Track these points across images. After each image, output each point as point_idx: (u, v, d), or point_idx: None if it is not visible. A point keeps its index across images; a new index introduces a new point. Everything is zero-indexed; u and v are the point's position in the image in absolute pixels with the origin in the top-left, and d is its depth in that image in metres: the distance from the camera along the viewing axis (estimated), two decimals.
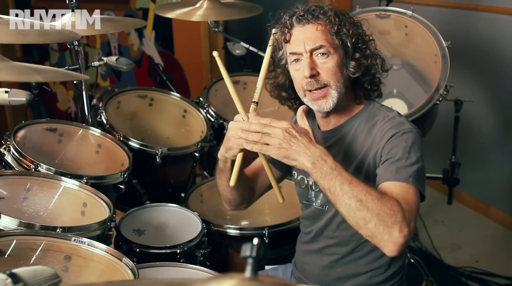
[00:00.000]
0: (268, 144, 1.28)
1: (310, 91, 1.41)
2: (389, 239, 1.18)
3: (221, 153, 1.45)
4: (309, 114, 1.50)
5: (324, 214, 1.50)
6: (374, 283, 1.49)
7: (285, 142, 1.26)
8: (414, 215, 1.24)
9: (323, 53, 1.38)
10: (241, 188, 1.56)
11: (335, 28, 1.38)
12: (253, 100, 1.42)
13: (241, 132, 1.32)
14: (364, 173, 1.40)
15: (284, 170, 1.65)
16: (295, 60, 1.42)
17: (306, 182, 1.55)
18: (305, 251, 1.61)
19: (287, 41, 1.42)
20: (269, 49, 1.45)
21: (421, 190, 1.31)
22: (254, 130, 1.30)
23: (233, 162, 1.43)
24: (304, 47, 1.39)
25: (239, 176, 1.42)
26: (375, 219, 1.19)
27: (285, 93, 1.54)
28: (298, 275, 1.64)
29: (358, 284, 1.50)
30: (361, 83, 1.46)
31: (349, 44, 1.40)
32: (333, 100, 1.40)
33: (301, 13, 1.40)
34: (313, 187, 1.52)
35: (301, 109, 1.35)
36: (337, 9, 1.44)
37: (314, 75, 1.39)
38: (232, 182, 1.42)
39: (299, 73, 1.42)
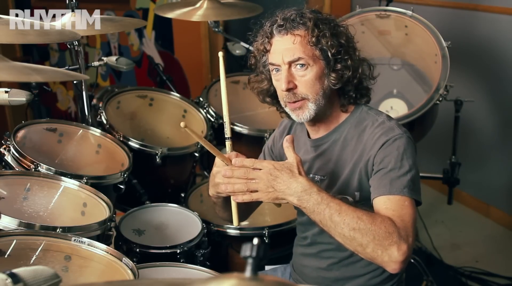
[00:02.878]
0: (256, 191, 1.29)
1: (289, 102, 1.41)
2: (389, 260, 1.19)
3: (211, 192, 1.46)
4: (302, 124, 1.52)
5: None
6: (373, 285, 1.49)
7: (270, 186, 1.27)
8: (411, 229, 1.25)
9: (301, 65, 1.36)
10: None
11: (314, 39, 1.35)
12: (226, 136, 1.42)
13: (226, 180, 1.33)
14: (357, 181, 1.39)
15: None
16: (275, 69, 1.41)
17: None
18: (302, 253, 1.60)
19: (267, 51, 1.42)
20: (223, 81, 1.44)
21: (417, 198, 1.32)
22: (238, 176, 1.31)
23: (225, 197, 1.45)
24: (282, 59, 1.37)
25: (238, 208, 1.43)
26: (371, 244, 1.19)
27: (269, 98, 1.54)
28: (295, 277, 1.63)
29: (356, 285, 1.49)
30: (346, 91, 1.45)
31: (329, 55, 1.37)
32: (310, 112, 1.40)
33: (280, 23, 1.38)
34: None
35: (285, 140, 1.30)
36: (320, 16, 1.40)
37: (291, 89, 1.38)
38: (235, 223, 1.43)
39: (279, 84, 1.41)
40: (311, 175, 1.50)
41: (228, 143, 1.42)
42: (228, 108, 1.42)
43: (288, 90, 1.38)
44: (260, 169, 1.29)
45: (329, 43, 1.36)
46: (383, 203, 1.29)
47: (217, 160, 1.39)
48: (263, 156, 1.68)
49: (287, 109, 1.44)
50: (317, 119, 1.45)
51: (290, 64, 1.37)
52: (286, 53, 1.36)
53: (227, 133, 1.42)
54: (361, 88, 1.46)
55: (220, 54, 1.42)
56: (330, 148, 1.46)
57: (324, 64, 1.38)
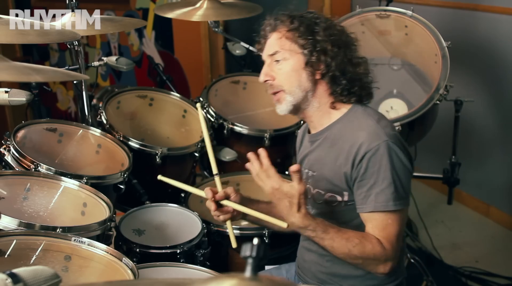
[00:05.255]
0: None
1: (271, 94, 1.50)
2: (377, 272, 1.40)
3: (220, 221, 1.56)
4: None
5: None
6: (371, 285, 1.49)
7: (274, 201, 1.36)
8: (397, 245, 1.37)
9: (278, 58, 1.46)
10: None
11: (290, 34, 1.45)
12: (214, 172, 1.52)
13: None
14: (344, 182, 1.42)
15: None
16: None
17: None
18: (303, 247, 1.62)
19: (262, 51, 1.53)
20: (203, 124, 1.55)
21: (403, 206, 1.37)
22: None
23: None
24: (265, 53, 1.50)
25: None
26: (361, 265, 1.40)
27: None
28: (298, 272, 1.66)
29: (354, 284, 1.50)
30: (335, 89, 1.47)
31: (305, 49, 1.43)
32: (287, 105, 1.47)
33: (270, 23, 1.50)
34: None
35: (291, 168, 1.31)
36: (304, 14, 1.48)
37: (268, 80, 1.48)
38: (234, 245, 1.52)
39: None
40: (305, 170, 1.54)
41: (217, 180, 1.53)
42: (212, 149, 1.54)
43: (265, 81, 1.49)
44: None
45: (301, 37, 1.44)
46: (369, 221, 1.38)
47: (208, 204, 1.52)
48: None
49: (273, 100, 1.53)
50: (307, 114, 1.51)
51: (271, 58, 1.48)
52: (267, 48, 1.49)
53: (215, 171, 1.52)
54: (352, 86, 1.46)
55: (198, 105, 1.57)
56: (321, 145, 1.50)
57: (302, 58, 1.44)
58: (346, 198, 1.43)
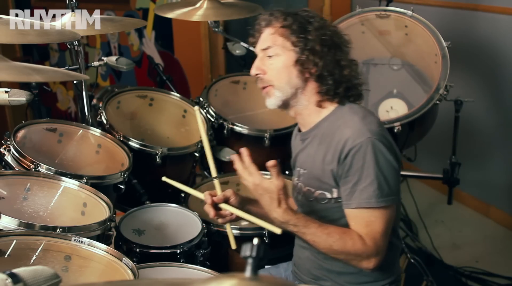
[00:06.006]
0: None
1: (261, 88, 1.52)
2: (361, 267, 1.40)
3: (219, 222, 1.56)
4: None
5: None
6: (365, 282, 1.50)
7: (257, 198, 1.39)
8: (381, 242, 1.37)
9: (270, 54, 1.48)
10: None
11: (283, 31, 1.46)
12: (213, 175, 1.54)
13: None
14: (332, 179, 1.43)
15: None
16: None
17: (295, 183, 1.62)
18: (298, 244, 1.64)
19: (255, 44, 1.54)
20: (201, 127, 1.57)
21: (387, 204, 1.37)
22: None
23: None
24: (257, 47, 1.52)
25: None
26: (344, 260, 1.41)
27: None
28: (294, 270, 1.67)
29: (349, 281, 1.51)
30: (322, 88, 1.48)
31: (296, 47, 1.45)
32: (276, 100, 1.49)
33: (264, 17, 1.51)
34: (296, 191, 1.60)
35: (268, 163, 1.32)
36: (298, 12, 1.49)
37: (258, 74, 1.50)
38: (233, 246, 1.52)
39: None
40: (297, 169, 1.57)
41: (216, 183, 1.54)
42: (210, 152, 1.55)
43: (257, 75, 1.51)
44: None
45: (293, 34, 1.45)
46: (353, 218, 1.40)
47: (206, 208, 1.52)
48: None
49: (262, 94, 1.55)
50: (296, 111, 1.53)
51: (263, 52, 1.50)
52: (261, 42, 1.52)
53: (214, 174, 1.54)
54: (338, 87, 1.47)
55: (196, 108, 1.59)
56: (310, 143, 1.52)
57: (294, 55, 1.46)
58: (335, 195, 1.44)
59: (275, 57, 1.48)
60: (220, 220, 1.53)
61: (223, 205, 1.50)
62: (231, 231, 1.56)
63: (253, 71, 1.51)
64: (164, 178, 1.56)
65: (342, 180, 1.40)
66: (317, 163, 1.46)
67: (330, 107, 1.50)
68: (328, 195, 1.45)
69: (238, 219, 1.56)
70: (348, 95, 1.49)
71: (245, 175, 1.37)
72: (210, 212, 1.50)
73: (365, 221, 1.38)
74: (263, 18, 1.52)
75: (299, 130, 1.60)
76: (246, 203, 1.58)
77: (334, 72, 1.46)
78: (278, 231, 1.32)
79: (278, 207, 1.34)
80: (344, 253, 1.37)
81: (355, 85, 1.50)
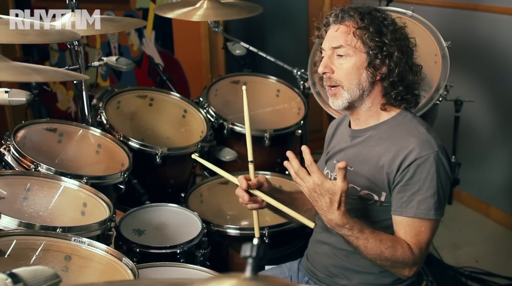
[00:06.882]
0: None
1: (327, 86, 1.48)
2: (402, 274, 1.42)
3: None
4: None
5: None
6: (383, 284, 1.50)
7: (311, 197, 1.35)
8: (425, 251, 1.40)
9: (341, 53, 1.44)
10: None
11: (358, 31, 1.42)
12: (249, 160, 1.49)
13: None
14: (385, 182, 1.42)
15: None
16: (323, 53, 1.50)
17: None
18: (317, 240, 1.62)
19: (321, 37, 1.50)
20: (245, 102, 1.58)
21: (441, 216, 1.40)
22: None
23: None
24: (327, 44, 1.47)
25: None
26: (388, 266, 1.40)
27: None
28: (307, 266, 1.65)
29: (365, 281, 1.51)
30: (389, 92, 1.47)
31: (369, 49, 1.42)
32: (343, 101, 1.46)
33: (336, 13, 1.47)
34: None
35: (338, 164, 1.30)
36: (373, 12, 1.46)
37: (326, 73, 1.46)
38: (257, 234, 1.51)
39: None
40: (334, 162, 1.55)
41: (251, 167, 1.49)
42: (250, 134, 1.52)
43: (324, 73, 1.47)
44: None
45: (369, 37, 1.42)
46: (403, 226, 1.40)
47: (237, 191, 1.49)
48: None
49: (328, 93, 1.51)
50: (356, 111, 1.50)
51: (333, 50, 1.46)
52: (331, 39, 1.46)
53: (250, 157, 1.49)
54: (407, 93, 1.48)
55: (244, 88, 1.55)
56: (363, 142, 1.50)
57: (366, 57, 1.43)
58: (382, 199, 1.44)
59: (345, 57, 1.44)
60: (249, 206, 1.49)
61: (256, 192, 1.47)
62: (258, 219, 1.52)
63: (321, 69, 1.47)
64: (193, 156, 1.57)
65: (399, 188, 1.39)
66: (370, 164, 1.45)
67: (391, 112, 1.49)
68: (375, 197, 1.44)
69: (265, 207, 1.52)
70: (412, 101, 1.50)
71: (302, 174, 1.34)
72: (244, 196, 1.46)
73: (416, 231, 1.38)
74: (335, 13, 1.48)
75: (349, 125, 1.58)
76: (274, 191, 1.55)
77: (407, 78, 1.46)
78: (311, 224, 1.32)
79: (338, 210, 1.31)
80: (392, 260, 1.36)
81: (418, 91, 1.51)
